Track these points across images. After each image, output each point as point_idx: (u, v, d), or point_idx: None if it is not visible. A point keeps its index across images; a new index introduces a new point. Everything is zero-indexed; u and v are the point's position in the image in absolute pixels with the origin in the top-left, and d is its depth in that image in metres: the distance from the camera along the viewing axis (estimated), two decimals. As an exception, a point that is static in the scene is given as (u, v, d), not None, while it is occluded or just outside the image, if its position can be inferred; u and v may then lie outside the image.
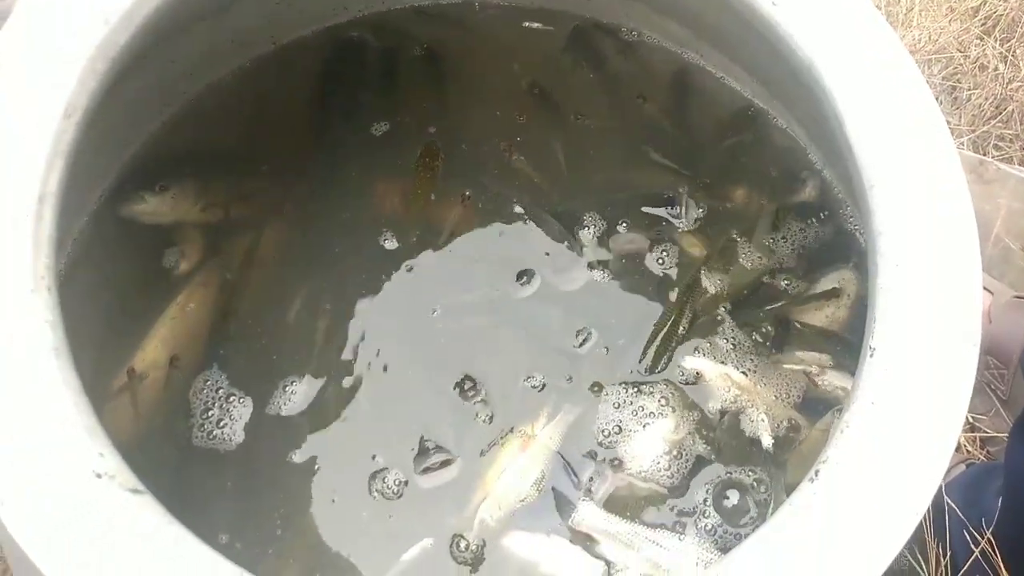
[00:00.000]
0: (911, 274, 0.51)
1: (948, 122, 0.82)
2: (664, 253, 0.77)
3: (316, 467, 0.64)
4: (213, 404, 0.64)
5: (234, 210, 0.76)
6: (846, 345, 0.70)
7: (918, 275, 0.51)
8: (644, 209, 0.79)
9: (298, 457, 0.64)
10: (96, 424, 0.37)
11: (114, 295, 0.67)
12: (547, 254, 0.76)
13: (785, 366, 0.70)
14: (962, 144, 1.30)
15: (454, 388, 0.69)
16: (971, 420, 1.02)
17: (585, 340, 0.72)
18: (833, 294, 0.74)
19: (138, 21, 0.54)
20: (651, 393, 0.68)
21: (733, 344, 0.71)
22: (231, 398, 0.64)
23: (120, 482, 0.35)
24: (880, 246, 0.52)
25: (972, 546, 0.76)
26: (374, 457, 0.64)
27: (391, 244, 0.76)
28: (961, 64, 1.43)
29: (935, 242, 0.52)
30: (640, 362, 0.71)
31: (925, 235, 0.52)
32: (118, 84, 0.55)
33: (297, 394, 0.66)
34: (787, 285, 0.75)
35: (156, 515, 0.35)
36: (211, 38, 0.75)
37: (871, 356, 0.48)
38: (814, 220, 0.77)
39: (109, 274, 0.68)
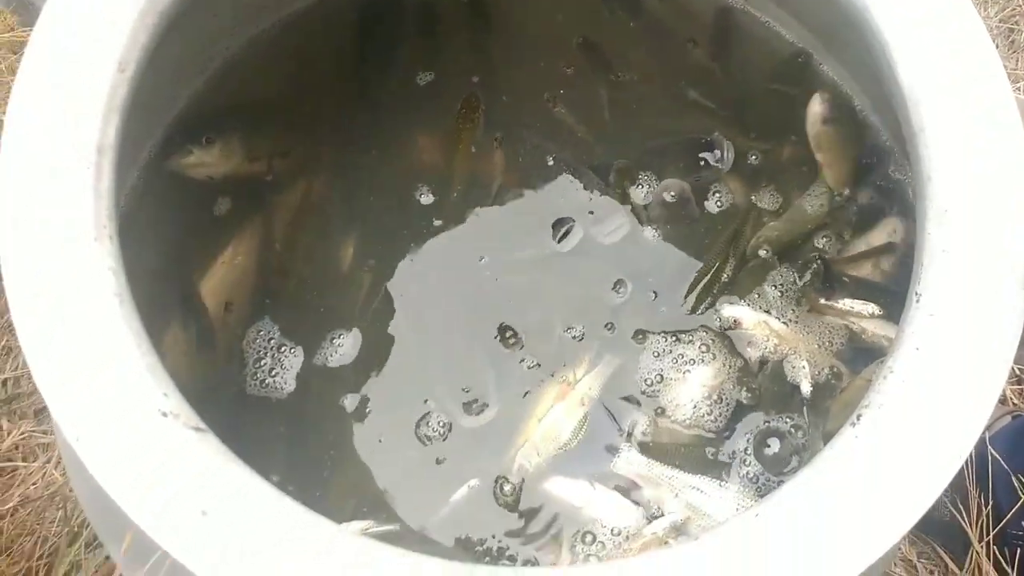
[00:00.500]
0: (960, 220, 0.50)
1: (1004, 66, 0.78)
2: (708, 201, 0.77)
3: (364, 413, 0.66)
4: (265, 354, 0.66)
5: (279, 163, 0.77)
6: (892, 295, 0.69)
7: (967, 222, 0.50)
8: (687, 157, 0.79)
9: (346, 404, 0.66)
10: (159, 365, 0.39)
11: (166, 247, 0.69)
12: (588, 207, 0.76)
13: (828, 317, 0.69)
14: (1018, 89, 1.26)
15: (496, 337, 0.70)
16: (1018, 372, 1.01)
17: (625, 290, 0.72)
18: (887, 249, 0.73)
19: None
20: (691, 341, 0.69)
21: (781, 292, 0.71)
22: (282, 348, 0.66)
23: (184, 421, 0.37)
24: (929, 191, 0.51)
25: (1020, 492, 0.76)
26: (425, 401, 0.66)
27: (429, 198, 0.76)
28: (1020, 5, 1.37)
29: (986, 188, 0.51)
30: (682, 306, 0.71)
31: (976, 181, 0.51)
32: (166, 38, 0.56)
33: (344, 346, 0.68)
34: (833, 236, 0.74)
35: (220, 453, 0.37)
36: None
37: (917, 302, 0.48)
38: (862, 167, 0.76)
39: (160, 226, 0.69)
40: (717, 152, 0.78)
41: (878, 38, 0.57)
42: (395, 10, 0.85)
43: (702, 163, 0.78)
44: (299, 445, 0.64)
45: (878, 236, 0.74)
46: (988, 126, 0.53)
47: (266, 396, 0.65)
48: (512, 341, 0.70)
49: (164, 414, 0.37)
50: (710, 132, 0.79)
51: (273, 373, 0.65)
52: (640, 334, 0.70)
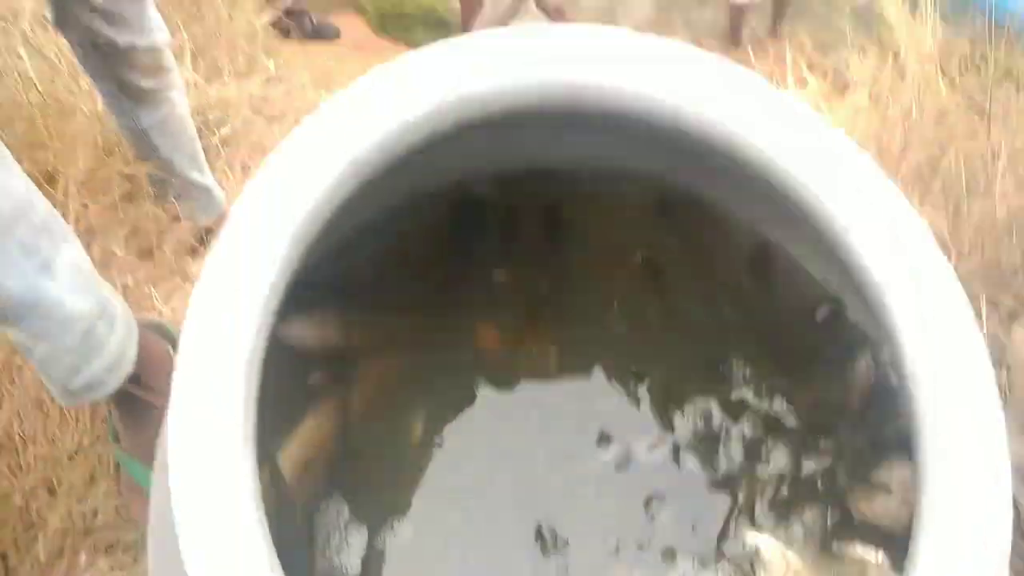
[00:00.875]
0: (950, 500, 0.56)
1: None
2: (743, 426, 0.84)
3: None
4: (334, 531, 0.73)
5: (364, 339, 0.87)
6: (902, 544, 0.75)
7: (957, 502, 0.56)
8: (722, 380, 0.87)
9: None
10: (279, 564, 0.47)
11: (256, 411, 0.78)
12: (631, 421, 0.85)
13: (845, 563, 0.75)
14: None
15: (535, 541, 0.77)
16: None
17: (658, 508, 0.79)
18: (885, 489, 0.79)
19: (325, 214, 0.66)
20: (716, 570, 0.75)
21: (804, 529, 0.78)
22: (350, 527, 0.74)
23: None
24: (927, 461, 0.59)
25: None
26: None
27: (488, 391, 0.85)
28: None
29: (971, 468, 0.57)
30: (711, 532, 0.77)
31: (962, 463, 0.57)
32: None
33: (402, 533, 0.75)
34: (841, 471, 0.81)
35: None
36: (361, 197, 0.88)
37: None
38: (877, 411, 0.83)
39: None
40: (753, 383, 0.87)
41: (886, 309, 0.65)
42: (482, 212, 0.97)
43: (743, 399, 0.86)
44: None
45: (886, 476, 0.80)
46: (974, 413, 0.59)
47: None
48: (549, 547, 0.76)
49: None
50: (752, 365, 0.88)
51: (340, 552, 0.72)
52: (669, 555, 0.76)
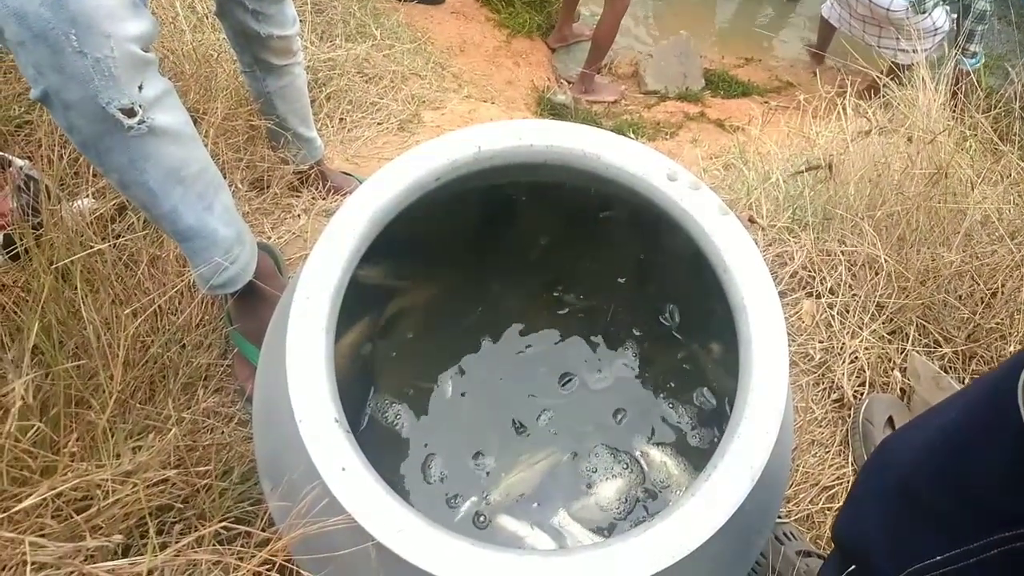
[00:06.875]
0: None
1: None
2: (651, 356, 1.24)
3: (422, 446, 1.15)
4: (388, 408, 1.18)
5: (400, 281, 1.26)
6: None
7: None
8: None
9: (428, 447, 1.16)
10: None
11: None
12: (585, 361, 1.25)
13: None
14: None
15: (511, 425, 1.19)
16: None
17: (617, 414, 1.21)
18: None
19: (399, 208, 1.04)
20: (621, 460, 1.15)
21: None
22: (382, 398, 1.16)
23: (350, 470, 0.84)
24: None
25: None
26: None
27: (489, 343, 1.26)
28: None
29: None
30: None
31: None
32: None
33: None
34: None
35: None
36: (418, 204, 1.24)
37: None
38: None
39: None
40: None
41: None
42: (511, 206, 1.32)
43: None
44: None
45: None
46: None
47: (389, 428, 1.16)
48: (520, 430, 1.18)
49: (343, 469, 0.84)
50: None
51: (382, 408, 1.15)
52: (600, 445, 1.17)
